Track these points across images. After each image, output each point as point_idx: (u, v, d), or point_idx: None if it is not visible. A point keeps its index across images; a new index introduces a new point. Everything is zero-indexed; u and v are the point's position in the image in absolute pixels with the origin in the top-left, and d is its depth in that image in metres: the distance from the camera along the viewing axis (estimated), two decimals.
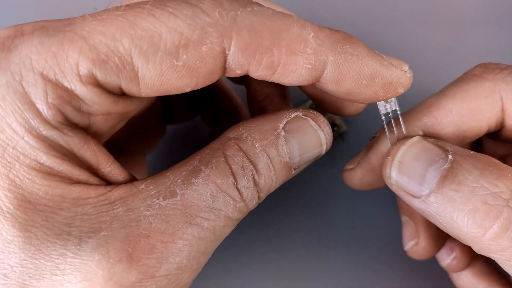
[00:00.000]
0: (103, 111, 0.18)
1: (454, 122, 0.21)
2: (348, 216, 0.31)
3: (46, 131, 0.17)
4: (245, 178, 0.18)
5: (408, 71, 0.19)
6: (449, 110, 0.21)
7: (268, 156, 0.19)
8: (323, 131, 0.20)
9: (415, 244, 0.24)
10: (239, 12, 0.17)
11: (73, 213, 0.17)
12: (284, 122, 0.19)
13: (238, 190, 0.18)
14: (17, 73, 0.16)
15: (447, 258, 0.25)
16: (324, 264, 0.30)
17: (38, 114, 0.16)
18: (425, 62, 0.33)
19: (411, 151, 0.19)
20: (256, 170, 0.19)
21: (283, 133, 0.19)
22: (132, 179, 0.19)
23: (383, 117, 0.21)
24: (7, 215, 0.16)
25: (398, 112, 0.21)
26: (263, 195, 0.19)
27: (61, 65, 0.16)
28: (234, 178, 0.18)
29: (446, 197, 0.18)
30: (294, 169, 0.20)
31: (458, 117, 0.21)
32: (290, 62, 0.17)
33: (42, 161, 0.17)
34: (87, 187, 0.17)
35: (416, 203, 0.19)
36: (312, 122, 0.20)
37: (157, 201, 0.17)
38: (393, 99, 0.21)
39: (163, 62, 0.17)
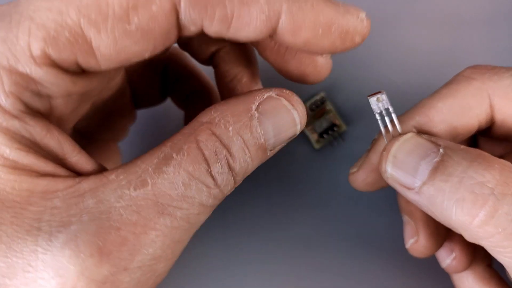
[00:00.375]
0: (63, 92, 0.17)
1: (446, 119, 0.22)
2: (349, 216, 0.31)
3: (6, 122, 0.16)
4: (219, 164, 0.18)
5: (365, 19, 0.19)
6: (440, 109, 0.22)
7: (243, 139, 0.18)
8: (296, 110, 0.20)
9: (415, 242, 0.25)
10: None
11: (42, 208, 0.16)
12: (257, 103, 0.19)
13: (212, 176, 0.18)
14: None
15: (447, 258, 0.26)
16: (324, 263, 0.30)
17: None
18: (425, 62, 0.33)
19: (405, 146, 0.21)
20: (231, 154, 0.18)
21: (257, 114, 0.19)
22: (101, 169, 0.19)
23: (377, 116, 0.23)
24: None
25: (391, 110, 0.22)
26: (239, 178, 0.19)
27: (13, 50, 0.16)
28: (207, 164, 0.18)
29: (437, 188, 0.19)
30: (270, 150, 0.20)
31: (449, 115, 0.22)
32: (243, 14, 0.17)
33: (5, 155, 0.16)
34: (55, 179, 0.17)
35: (410, 195, 0.21)
36: (285, 102, 0.19)
37: (127, 191, 0.17)
38: (385, 98, 0.22)
39: (115, 29, 0.16)
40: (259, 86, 0.25)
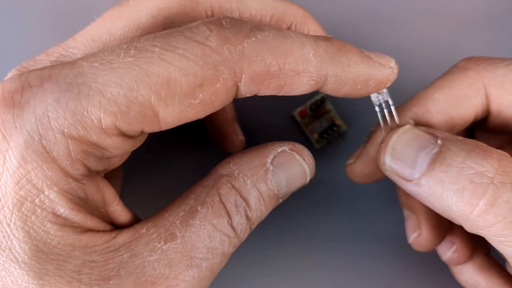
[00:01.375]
0: (123, 152, 0.19)
1: (442, 110, 0.23)
2: (349, 215, 0.31)
3: (67, 185, 0.17)
4: (239, 215, 0.20)
5: (394, 67, 0.21)
6: (437, 100, 0.23)
7: (259, 191, 0.20)
8: (307, 163, 0.21)
9: (417, 236, 0.25)
10: (245, 45, 0.18)
11: (82, 261, 0.17)
12: (272, 157, 0.21)
13: (233, 227, 0.19)
14: (36, 132, 0.16)
15: (448, 251, 0.26)
16: (324, 263, 0.30)
17: (60, 170, 0.17)
18: (425, 62, 0.33)
19: (403, 138, 0.21)
20: (248, 205, 0.20)
21: (271, 167, 0.21)
22: (134, 218, 0.20)
23: (376, 108, 0.23)
24: (22, 264, 0.17)
25: (390, 102, 0.22)
26: (254, 226, 0.21)
27: (83, 122, 0.17)
28: (229, 216, 0.19)
29: (436, 178, 0.20)
30: (281, 198, 0.21)
31: (446, 105, 0.23)
32: (295, 82, 0.19)
33: (58, 213, 0.17)
34: (94, 234, 0.18)
35: (409, 186, 0.21)
36: (297, 157, 0.21)
37: (159, 245, 0.18)
38: (385, 90, 0.22)
39: (182, 103, 0.17)
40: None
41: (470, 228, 0.20)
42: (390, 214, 0.31)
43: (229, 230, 0.19)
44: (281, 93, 0.19)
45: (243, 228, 0.20)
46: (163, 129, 0.18)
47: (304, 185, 0.22)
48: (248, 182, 0.20)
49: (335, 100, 0.33)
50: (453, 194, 0.19)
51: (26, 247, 0.17)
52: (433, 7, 0.34)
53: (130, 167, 0.29)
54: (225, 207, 0.19)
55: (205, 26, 0.18)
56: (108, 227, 0.19)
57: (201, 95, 0.17)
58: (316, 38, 0.19)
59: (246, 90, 0.19)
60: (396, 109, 0.23)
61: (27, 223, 0.17)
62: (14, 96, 0.17)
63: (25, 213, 0.17)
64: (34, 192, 0.17)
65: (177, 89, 0.17)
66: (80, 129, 0.17)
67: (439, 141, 0.20)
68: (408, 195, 0.25)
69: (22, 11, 0.34)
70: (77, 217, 0.18)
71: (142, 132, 0.18)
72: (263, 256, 0.30)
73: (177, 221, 0.19)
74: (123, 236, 0.18)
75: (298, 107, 0.32)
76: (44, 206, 0.17)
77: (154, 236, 0.18)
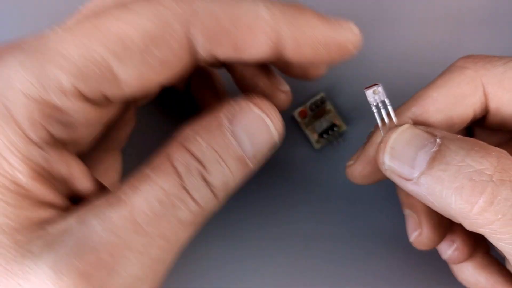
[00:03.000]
0: (88, 121, 0.18)
1: (441, 109, 0.23)
2: (349, 215, 0.31)
3: (28, 151, 0.17)
4: (193, 177, 0.18)
5: (356, 30, 0.20)
6: (435, 99, 0.23)
7: (216, 151, 0.19)
8: (268, 116, 0.20)
9: (418, 235, 0.25)
10: (197, 1, 0.18)
11: (35, 233, 0.17)
12: (229, 115, 0.19)
13: (186, 190, 0.18)
14: (0, 94, 0.17)
15: (448, 250, 0.26)
16: (324, 263, 0.30)
17: (21, 132, 0.17)
18: (425, 62, 0.33)
19: (402, 137, 0.21)
20: (205, 167, 0.18)
21: (229, 125, 0.19)
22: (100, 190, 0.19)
23: (373, 109, 0.23)
24: None
25: (387, 102, 0.22)
26: (220, 193, 0.19)
27: (44, 83, 0.17)
28: (180, 178, 0.18)
29: (435, 177, 0.20)
30: (251, 161, 0.20)
31: (444, 104, 0.23)
32: (250, 38, 0.18)
33: (19, 182, 0.17)
34: (53, 210, 0.18)
35: (408, 186, 0.21)
36: (256, 110, 0.20)
37: (107, 212, 0.17)
38: (381, 90, 0.22)
39: (138, 62, 0.17)
40: (278, 80, 0.25)
41: (469, 226, 0.20)
42: (391, 214, 0.31)
43: (182, 193, 0.18)
44: (238, 57, 0.19)
45: (201, 193, 0.18)
46: (127, 95, 0.18)
47: (275, 144, 0.20)
48: (202, 143, 0.19)
49: (335, 100, 0.33)
50: (452, 192, 0.19)
51: None
52: (434, 7, 0.35)
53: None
54: (175, 168, 0.18)
55: None
56: (68, 204, 0.19)
57: (156, 53, 0.17)
58: (272, 1, 0.19)
59: (203, 50, 0.18)
60: (395, 109, 0.23)
61: None
62: None
63: None
64: None
65: (132, 46, 0.17)
66: (40, 89, 0.17)
67: (438, 140, 0.20)
68: (408, 194, 0.25)
69: (23, 12, 0.34)
70: (36, 188, 0.17)
71: (106, 99, 0.18)
72: (262, 256, 0.30)
73: (127, 188, 0.18)
74: (77, 209, 0.18)
75: (298, 107, 0.32)
76: (4, 172, 0.17)
77: (103, 204, 0.18)
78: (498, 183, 0.18)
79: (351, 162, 0.25)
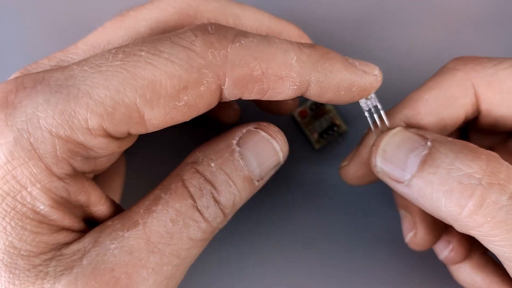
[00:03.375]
0: (109, 153, 0.19)
1: (432, 111, 0.23)
2: (349, 215, 0.31)
3: (50, 183, 0.18)
4: (204, 198, 0.19)
5: (379, 74, 0.21)
6: (426, 101, 0.23)
7: (226, 173, 0.20)
8: (275, 139, 0.21)
9: (413, 235, 0.25)
10: (229, 49, 0.18)
11: (51, 256, 0.18)
12: (238, 138, 0.21)
13: (199, 210, 0.19)
14: (25, 131, 0.17)
15: (444, 250, 0.26)
16: (324, 263, 0.30)
17: (46, 168, 0.17)
18: (425, 62, 0.33)
19: (393, 140, 0.21)
20: (215, 188, 0.20)
21: (237, 148, 0.20)
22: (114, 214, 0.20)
23: (366, 113, 0.23)
24: None
25: (379, 106, 0.23)
26: (228, 211, 0.20)
27: (70, 122, 0.17)
28: (193, 199, 0.19)
29: (425, 180, 0.20)
30: (257, 180, 0.21)
31: (436, 106, 0.23)
32: (278, 86, 0.19)
33: (38, 210, 0.18)
34: (69, 234, 0.19)
35: (400, 188, 0.21)
36: (263, 133, 0.21)
37: (121, 233, 0.18)
38: (373, 95, 0.23)
39: (167, 106, 0.18)
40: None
41: (460, 228, 0.20)
42: (390, 213, 0.31)
43: (194, 213, 0.19)
44: (265, 98, 0.20)
45: (211, 212, 0.20)
46: (149, 131, 0.19)
47: (279, 164, 0.22)
48: (212, 165, 0.20)
49: None
50: (442, 195, 0.19)
51: (1, 242, 0.17)
52: (433, 7, 0.34)
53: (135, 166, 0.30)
54: (188, 190, 0.19)
55: (191, 32, 0.18)
56: (83, 227, 0.19)
57: (185, 98, 0.18)
58: (300, 44, 0.20)
59: (230, 94, 0.19)
60: (387, 112, 0.23)
61: (6, 218, 0.17)
62: (8, 96, 0.18)
63: (5, 208, 0.17)
64: (17, 187, 0.17)
65: (162, 91, 0.18)
66: (67, 128, 0.17)
67: (428, 143, 0.20)
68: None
69: (24, 15, 0.34)
70: (55, 215, 0.18)
71: (129, 134, 0.19)
72: (262, 256, 0.30)
73: (141, 210, 0.19)
74: (92, 232, 0.19)
75: (298, 107, 0.32)
76: (25, 202, 0.17)
77: (118, 226, 0.19)
78: (487, 187, 0.19)
79: (345, 163, 0.25)
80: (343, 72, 0.20)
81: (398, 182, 0.21)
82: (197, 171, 0.20)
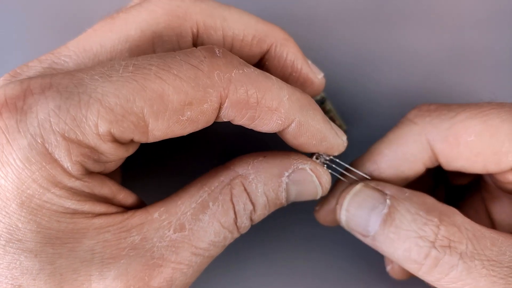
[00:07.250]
0: (117, 158, 0.20)
1: (392, 165, 0.23)
2: None
3: (70, 183, 0.19)
4: (245, 217, 0.21)
5: (345, 141, 0.23)
6: (386, 155, 0.24)
7: (267, 199, 0.22)
8: (322, 187, 0.23)
9: (391, 268, 0.27)
10: (233, 74, 0.20)
11: (96, 240, 0.19)
12: (290, 171, 0.22)
13: (237, 226, 0.21)
14: (39, 136, 0.18)
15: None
16: (324, 264, 0.31)
17: (63, 170, 0.18)
18: (425, 62, 0.33)
19: (355, 200, 0.22)
20: (255, 210, 0.22)
21: (287, 180, 0.22)
22: (139, 200, 0.22)
23: (325, 166, 0.24)
24: (33, 254, 0.18)
25: (336, 160, 0.24)
26: (253, 224, 0.23)
27: (82, 127, 0.18)
28: (236, 217, 0.21)
29: (387, 238, 0.21)
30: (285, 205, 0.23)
31: (394, 161, 0.23)
32: (266, 117, 0.20)
33: (66, 206, 0.19)
34: (107, 216, 0.20)
35: (366, 240, 0.22)
36: (315, 179, 0.23)
37: (168, 233, 0.20)
38: (321, 153, 0.24)
39: (170, 118, 0.19)
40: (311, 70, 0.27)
41: (422, 278, 0.21)
42: None
43: (234, 228, 0.21)
44: (251, 126, 0.21)
45: (245, 227, 0.22)
46: (149, 141, 0.20)
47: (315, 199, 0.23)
48: (259, 190, 0.22)
49: (335, 100, 0.33)
50: (402, 253, 0.21)
51: (39, 236, 0.18)
52: (433, 7, 0.33)
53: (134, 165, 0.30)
54: (234, 207, 0.21)
55: (199, 52, 0.20)
56: (120, 209, 0.21)
57: (189, 113, 0.19)
58: (293, 87, 0.21)
59: (226, 115, 0.20)
60: (352, 163, 0.24)
61: (38, 216, 0.18)
62: (17, 102, 0.18)
63: (35, 208, 0.18)
64: (41, 191, 0.18)
65: (169, 104, 0.19)
66: (79, 133, 0.18)
67: (388, 201, 0.21)
68: None
69: (22, 13, 0.35)
70: (85, 207, 0.19)
71: (132, 141, 0.20)
72: (261, 256, 0.31)
73: (188, 213, 0.21)
74: (136, 218, 0.20)
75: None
76: (53, 201, 0.18)
77: (165, 223, 0.20)
78: (440, 250, 0.20)
79: (317, 208, 0.26)
80: (321, 124, 0.22)
81: (363, 236, 0.22)
82: (245, 190, 0.22)
